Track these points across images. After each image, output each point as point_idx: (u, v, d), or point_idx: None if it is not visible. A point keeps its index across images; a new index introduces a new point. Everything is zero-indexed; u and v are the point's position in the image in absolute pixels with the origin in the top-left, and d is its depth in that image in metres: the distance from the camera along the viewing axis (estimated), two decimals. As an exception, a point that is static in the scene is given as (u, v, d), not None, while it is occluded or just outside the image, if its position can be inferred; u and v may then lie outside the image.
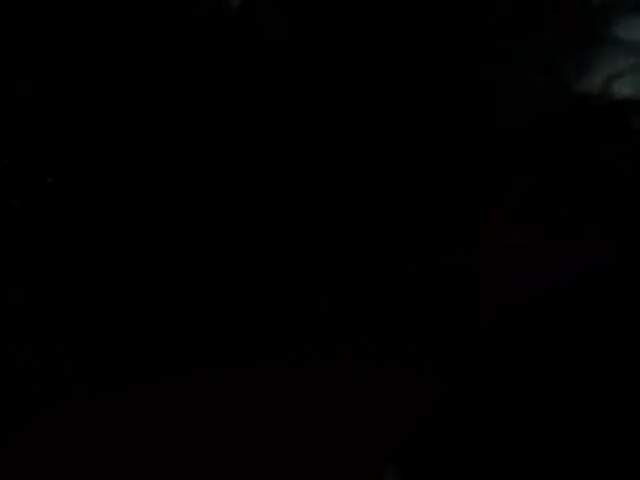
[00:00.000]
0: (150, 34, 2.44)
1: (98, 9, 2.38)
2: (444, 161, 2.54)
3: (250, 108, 2.55)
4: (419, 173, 2.54)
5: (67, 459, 2.09)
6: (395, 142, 2.56)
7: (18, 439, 2.13)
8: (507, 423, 2.14)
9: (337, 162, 2.56)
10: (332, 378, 2.25)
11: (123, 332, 2.39)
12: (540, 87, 2.52)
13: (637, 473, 2.00)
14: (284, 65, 2.56)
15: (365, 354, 2.31)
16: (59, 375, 2.31)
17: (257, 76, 2.55)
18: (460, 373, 2.24)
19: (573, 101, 2.52)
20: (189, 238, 2.50)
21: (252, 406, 2.21)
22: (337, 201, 2.54)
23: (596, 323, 2.25)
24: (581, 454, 2.06)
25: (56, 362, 2.33)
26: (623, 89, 2.46)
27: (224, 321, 2.44)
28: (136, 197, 2.50)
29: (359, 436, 2.13)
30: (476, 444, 2.11)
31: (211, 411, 2.20)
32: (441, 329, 2.36)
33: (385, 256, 2.49)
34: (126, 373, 2.32)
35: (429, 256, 2.47)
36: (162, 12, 2.40)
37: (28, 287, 2.41)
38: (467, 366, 2.26)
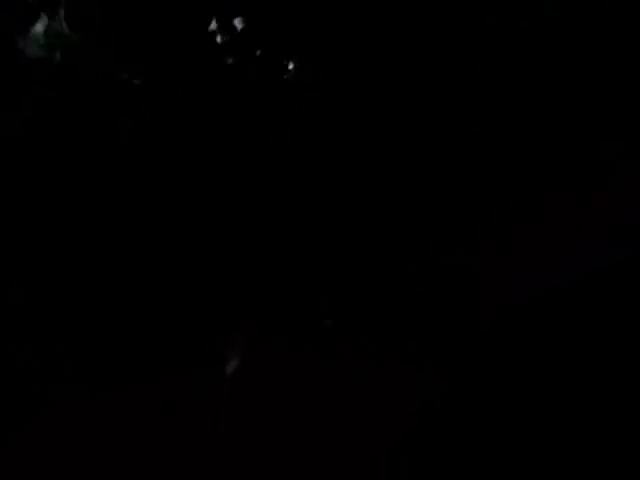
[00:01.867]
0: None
1: None
2: (444, 161, 2.54)
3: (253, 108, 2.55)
4: (419, 174, 2.54)
5: (67, 459, 2.09)
6: (396, 143, 2.56)
7: (18, 439, 2.13)
8: (507, 422, 2.14)
9: (338, 164, 2.56)
10: (332, 378, 2.25)
11: (123, 332, 2.39)
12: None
13: (637, 472, 2.01)
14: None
15: (365, 354, 2.31)
16: (59, 375, 2.31)
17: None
18: (460, 373, 2.24)
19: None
20: (187, 239, 2.50)
21: (252, 405, 2.21)
22: (338, 202, 2.54)
23: (596, 323, 2.25)
24: (580, 451, 2.06)
25: (56, 362, 2.33)
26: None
27: (223, 321, 2.44)
28: (134, 202, 2.50)
29: (359, 435, 2.13)
30: (477, 443, 2.11)
31: (211, 411, 2.20)
32: (441, 329, 2.36)
33: (385, 256, 2.49)
34: (126, 373, 2.32)
35: (429, 256, 2.47)
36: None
37: (28, 287, 2.41)
38: (467, 366, 2.26)
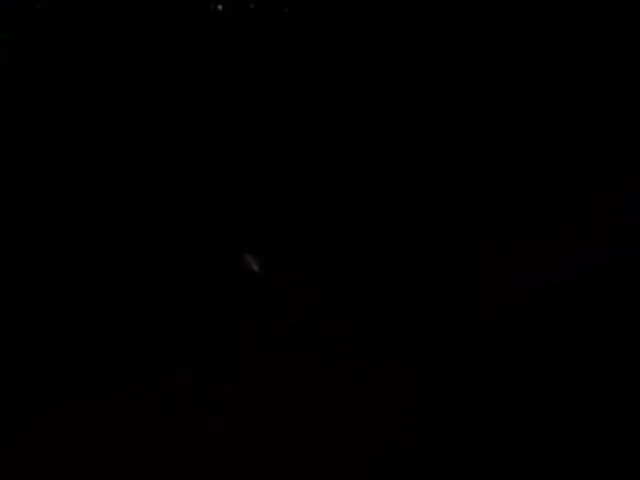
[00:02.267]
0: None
1: None
2: (444, 161, 2.54)
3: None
4: (419, 173, 2.54)
5: (67, 459, 2.09)
6: (396, 143, 2.56)
7: (18, 439, 2.13)
8: (507, 422, 2.14)
9: (338, 164, 2.56)
10: (332, 378, 2.25)
11: (123, 332, 2.39)
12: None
13: (637, 471, 2.01)
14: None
15: (365, 354, 2.31)
16: (59, 375, 2.31)
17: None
18: (460, 373, 2.24)
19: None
20: (187, 239, 2.51)
21: (252, 405, 2.21)
22: (338, 201, 2.54)
23: (596, 323, 2.25)
24: (580, 451, 2.06)
25: (56, 362, 2.33)
26: None
27: (223, 321, 2.44)
28: (134, 201, 2.51)
29: (359, 435, 2.13)
30: (477, 443, 2.11)
31: (211, 411, 2.20)
32: (441, 329, 2.36)
33: (385, 256, 2.49)
34: (126, 373, 2.32)
35: (429, 256, 2.47)
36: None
37: (28, 287, 2.41)
38: (467, 366, 2.26)
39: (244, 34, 2.55)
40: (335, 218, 2.53)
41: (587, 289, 2.29)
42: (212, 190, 2.54)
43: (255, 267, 2.32)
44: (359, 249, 2.52)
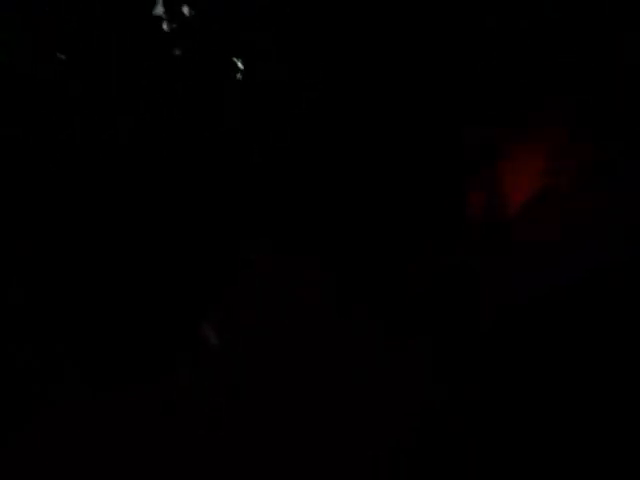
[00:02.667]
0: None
1: None
2: (444, 161, 2.54)
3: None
4: (419, 173, 2.55)
5: (67, 459, 2.09)
6: (396, 143, 2.56)
7: (18, 439, 2.13)
8: (507, 422, 2.14)
9: (338, 164, 2.56)
10: (332, 378, 2.26)
11: (123, 332, 2.39)
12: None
13: (637, 471, 2.01)
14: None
15: (365, 354, 2.31)
16: (59, 375, 2.31)
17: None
18: (460, 373, 2.24)
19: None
20: (187, 239, 2.51)
21: (252, 406, 2.21)
22: (337, 202, 2.54)
23: (596, 323, 2.25)
24: (580, 451, 2.06)
25: (56, 362, 2.33)
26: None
27: (221, 321, 2.44)
28: (134, 202, 2.51)
29: (359, 435, 2.13)
30: (477, 443, 2.12)
31: (211, 411, 2.20)
32: (441, 329, 2.36)
33: (385, 256, 2.49)
34: (126, 373, 2.32)
35: (429, 256, 2.47)
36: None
37: (28, 287, 2.41)
38: (467, 366, 2.26)
39: (244, 34, 2.55)
40: (334, 218, 2.54)
41: (587, 289, 2.29)
42: (212, 190, 2.54)
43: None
44: (358, 249, 2.52)
